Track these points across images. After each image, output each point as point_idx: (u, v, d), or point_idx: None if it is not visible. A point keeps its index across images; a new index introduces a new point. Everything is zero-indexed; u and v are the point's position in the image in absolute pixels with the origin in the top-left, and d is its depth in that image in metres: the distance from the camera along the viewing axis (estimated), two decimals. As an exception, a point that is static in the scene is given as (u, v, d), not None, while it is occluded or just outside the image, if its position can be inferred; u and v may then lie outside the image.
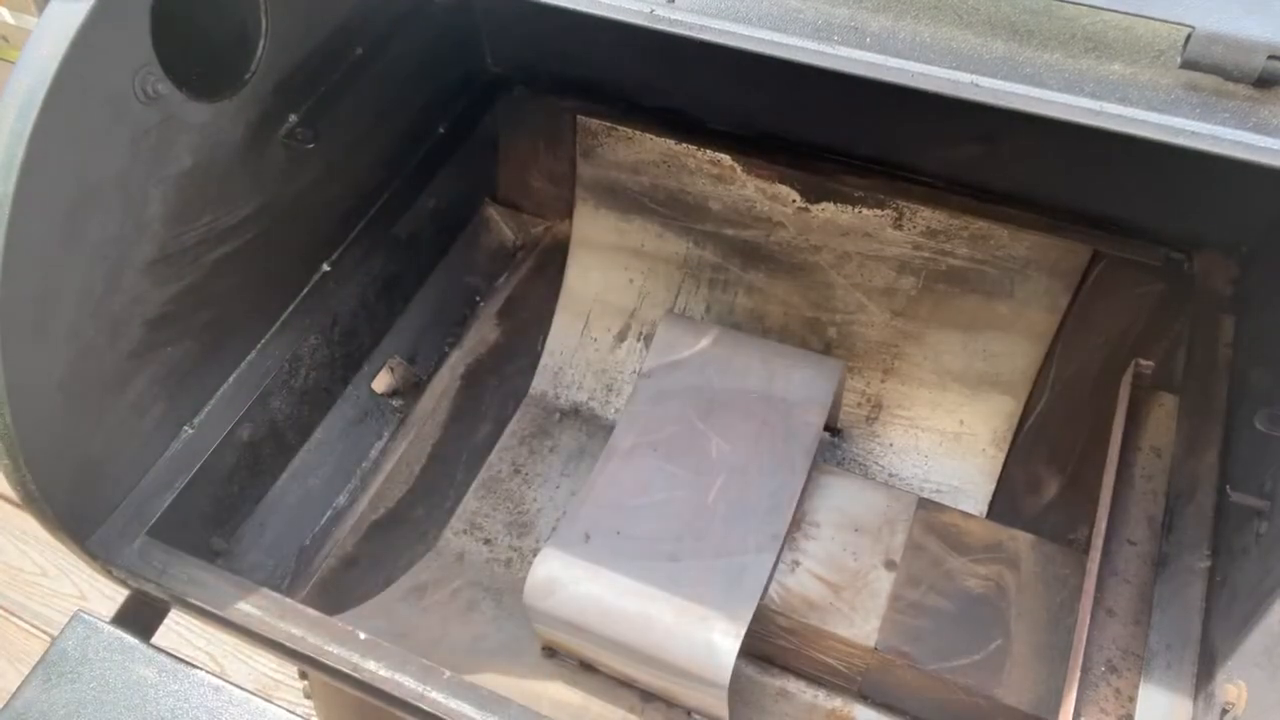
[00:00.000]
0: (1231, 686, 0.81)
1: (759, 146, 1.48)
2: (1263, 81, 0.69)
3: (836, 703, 1.27)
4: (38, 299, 0.89)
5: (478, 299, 1.64)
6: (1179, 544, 1.01)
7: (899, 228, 1.43)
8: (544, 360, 1.64)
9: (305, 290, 1.32)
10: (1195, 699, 0.90)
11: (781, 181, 1.48)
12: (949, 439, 1.48)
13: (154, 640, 1.03)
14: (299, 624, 1.00)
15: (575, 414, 1.61)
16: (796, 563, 1.22)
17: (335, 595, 1.28)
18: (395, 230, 1.46)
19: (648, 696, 1.23)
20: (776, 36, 0.77)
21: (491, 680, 1.18)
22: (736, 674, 1.09)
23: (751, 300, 1.57)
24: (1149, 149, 0.70)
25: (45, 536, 1.05)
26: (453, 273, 1.61)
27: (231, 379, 1.22)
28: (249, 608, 1.00)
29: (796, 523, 1.25)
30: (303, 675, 1.58)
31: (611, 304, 1.64)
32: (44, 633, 1.85)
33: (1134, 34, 0.75)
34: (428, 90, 1.47)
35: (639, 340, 1.62)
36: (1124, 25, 0.75)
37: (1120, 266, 1.34)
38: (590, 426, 1.59)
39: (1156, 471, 1.12)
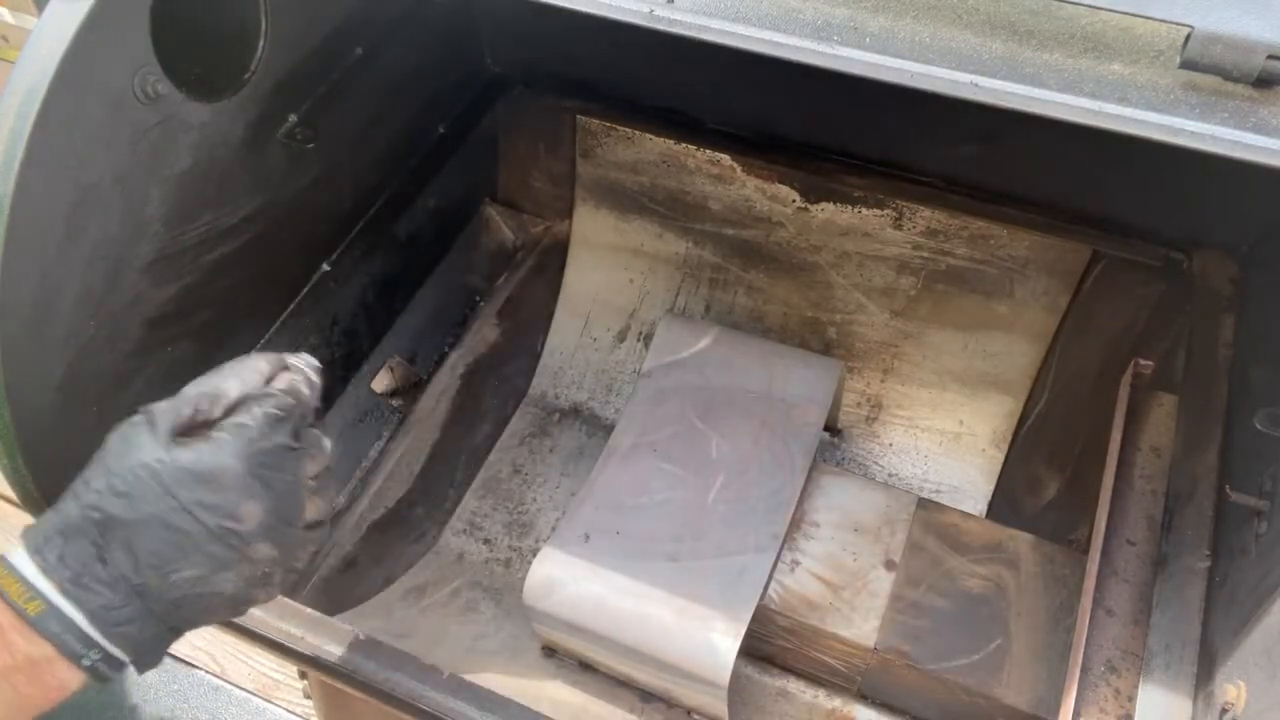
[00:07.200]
0: (1231, 686, 0.81)
1: (759, 146, 1.48)
2: (1262, 81, 0.69)
3: (836, 703, 1.27)
4: (38, 299, 0.89)
5: (478, 299, 1.64)
6: (1178, 544, 1.01)
7: (899, 228, 1.43)
8: (544, 360, 1.64)
9: (305, 290, 1.32)
10: (1195, 699, 0.90)
11: (781, 181, 1.48)
12: (949, 439, 1.48)
13: (154, 640, 1.02)
14: (298, 624, 1.00)
15: (575, 414, 1.61)
16: (796, 562, 1.22)
17: (335, 595, 1.28)
18: (395, 230, 1.46)
19: (648, 696, 1.22)
20: (776, 36, 0.77)
21: (491, 680, 1.18)
22: (736, 674, 1.09)
23: (751, 300, 1.57)
24: (1149, 149, 0.69)
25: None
26: (453, 273, 1.61)
27: (231, 379, 1.22)
28: (249, 607, 1.00)
29: (796, 523, 1.25)
30: (302, 675, 1.58)
31: (611, 304, 1.64)
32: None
33: (1133, 34, 0.75)
34: (428, 90, 1.47)
35: (639, 340, 1.62)
36: (1123, 25, 0.75)
37: (1120, 266, 1.34)
38: (590, 426, 1.59)
39: (1156, 471, 1.12)
